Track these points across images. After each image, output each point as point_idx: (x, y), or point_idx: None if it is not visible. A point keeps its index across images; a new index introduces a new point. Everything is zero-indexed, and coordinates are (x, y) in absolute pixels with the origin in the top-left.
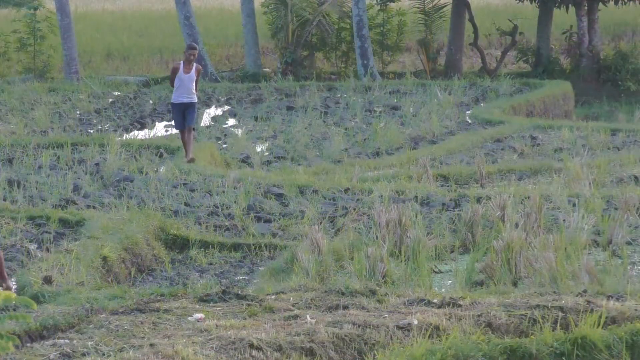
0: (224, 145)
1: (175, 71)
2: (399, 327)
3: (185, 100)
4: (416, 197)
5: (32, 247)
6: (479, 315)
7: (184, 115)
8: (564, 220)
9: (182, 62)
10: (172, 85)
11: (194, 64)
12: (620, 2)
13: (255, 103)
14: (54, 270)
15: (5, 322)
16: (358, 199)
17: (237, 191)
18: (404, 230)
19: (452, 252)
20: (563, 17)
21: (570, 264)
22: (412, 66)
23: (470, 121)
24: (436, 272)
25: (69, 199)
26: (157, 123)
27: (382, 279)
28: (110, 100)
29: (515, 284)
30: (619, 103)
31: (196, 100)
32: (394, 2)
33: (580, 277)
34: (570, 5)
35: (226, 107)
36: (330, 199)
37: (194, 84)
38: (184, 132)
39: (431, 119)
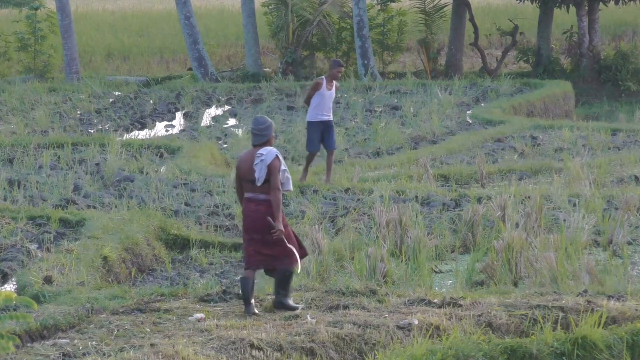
0: (225, 145)
1: (317, 87)
2: (399, 327)
3: (325, 119)
4: (416, 197)
5: (33, 247)
6: (479, 315)
7: (321, 135)
8: (564, 220)
9: (324, 77)
10: (307, 103)
11: (334, 81)
12: (620, 2)
13: (256, 103)
14: (55, 270)
15: (6, 322)
16: (358, 199)
17: None
18: (405, 230)
19: (452, 252)
20: (563, 17)
21: (570, 264)
22: (412, 66)
23: (470, 121)
24: (437, 272)
25: (70, 198)
26: (157, 123)
27: (383, 279)
28: (110, 100)
29: (515, 284)
30: (619, 103)
31: (333, 119)
32: (394, 2)
33: (581, 277)
34: (570, 5)
35: (226, 107)
36: (330, 199)
37: (332, 102)
38: (314, 154)
39: (432, 119)
